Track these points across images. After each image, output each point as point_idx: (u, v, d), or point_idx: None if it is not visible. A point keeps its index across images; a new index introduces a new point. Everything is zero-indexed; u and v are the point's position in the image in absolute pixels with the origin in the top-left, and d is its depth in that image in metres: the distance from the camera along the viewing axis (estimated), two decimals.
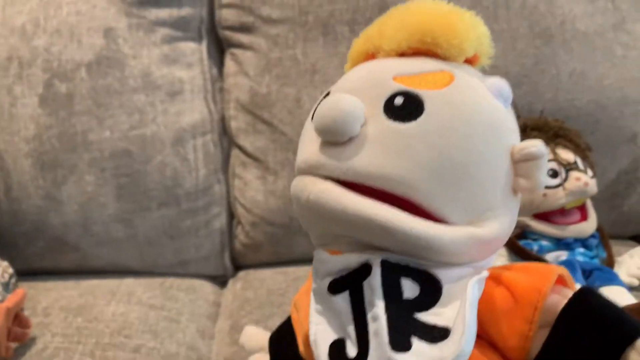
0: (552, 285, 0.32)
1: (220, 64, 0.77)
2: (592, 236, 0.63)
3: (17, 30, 0.68)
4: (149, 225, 0.70)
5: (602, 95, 0.71)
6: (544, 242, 0.62)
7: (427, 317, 0.32)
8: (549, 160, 0.62)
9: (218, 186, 0.74)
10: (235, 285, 0.73)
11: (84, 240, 0.69)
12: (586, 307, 0.32)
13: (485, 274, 0.33)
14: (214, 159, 0.73)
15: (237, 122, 0.74)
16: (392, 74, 0.35)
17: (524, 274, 0.33)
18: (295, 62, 0.72)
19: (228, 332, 0.63)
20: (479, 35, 0.37)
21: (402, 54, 0.37)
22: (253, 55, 0.73)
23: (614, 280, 0.57)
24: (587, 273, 0.58)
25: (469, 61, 0.38)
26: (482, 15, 0.71)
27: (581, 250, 0.62)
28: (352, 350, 0.32)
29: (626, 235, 0.78)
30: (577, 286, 0.34)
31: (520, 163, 0.35)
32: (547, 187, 0.61)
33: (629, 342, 0.30)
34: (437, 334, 0.31)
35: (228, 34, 0.75)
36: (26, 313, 0.59)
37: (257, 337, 0.47)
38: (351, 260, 0.35)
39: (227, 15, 0.75)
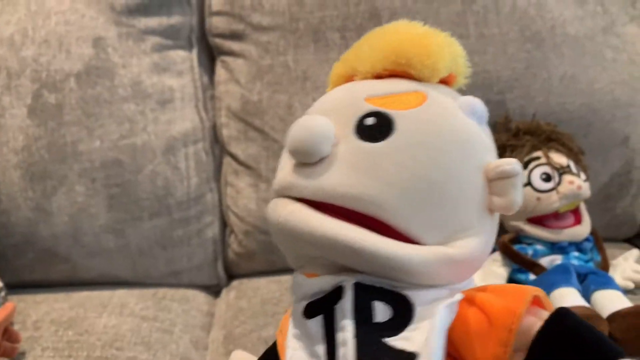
0: (527, 306, 0.32)
1: (211, 71, 0.77)
2: (587, 239, 0.63)
3: (5, 41, 0.67)
4: (141, 236, 0.69)
5: (594, 98, 0.71)
6: (539, 246, 0.62)
7: (396, 342, 0.31)
8: (542, 164, 0.62)
9: (210, 195, 0.73)
10: (229, 294, 0.72)
11: (75, 252, 0.68)
12: (562, 329, 0.31)
13: (458, 297, 0.33)
14: (206, 167, 0.73)
15: (229, 130, 0.74)
16: (365, 95, 0.36)
17: (499, 295, 0.33)
18: (287, 69, 0.71)
19: (222, 342, 0.62)
20: (453, 55, 0.37)
21: (378, 76, 0.38)
22: (244, 63, 0.73)
23: (609, 283, 0.57)
24: (582, 277, 0.58)
25: (446, 82, 0.38)
26: (473, 19, 0.72)
27: (576, 254, 0.62)
28: None
29: (620, 238, 0.78)
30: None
31: (495, 181, 0.35)
32: (541, 191, 0.61)
33: None
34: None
35: (218, 41, 0.75)
36: (16, 327, 0.58)
37: None
38: (325, 283, 0.34)
39: (217, 23, 0.74)
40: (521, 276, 0.61)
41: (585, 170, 0.65)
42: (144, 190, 0.69)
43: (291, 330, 0.36)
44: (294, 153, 0.34)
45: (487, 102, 0.38)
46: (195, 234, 0.72)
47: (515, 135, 0.65)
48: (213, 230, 0.74)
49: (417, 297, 0.33)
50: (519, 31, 0.70)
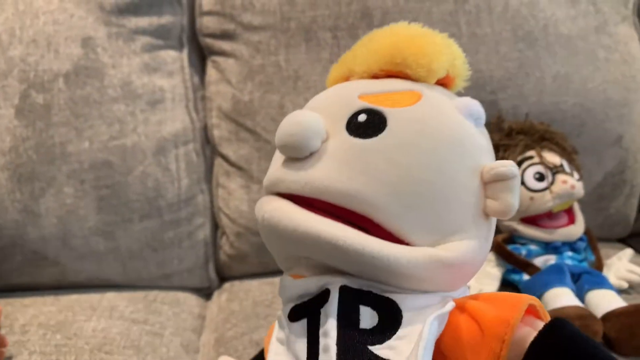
0: (521, 316, 0.31)
1: (201, 72, 0.76)
2: (580, 239, 0.63)
3: None
4: (131, 238, 0.68)
5: (587, 98, 0.71)
6: (532, 246, 0.62)
7: (381, 350, 0.30)
8: (536, 164, 0.62)
9: (201, 196, 0.73)
10: (221, 297, 0.71)
11: (64, 254, 0.68)
12: (557, 341, 0.30)
13: (449, 307, 0.32)
14: (197, 168, 0.72)
15: (220, 131, 0.73)
16: (358, 92, 0.35)
17: (492, 304, 0.32)
18: (278, 68, 0.71)
19: (213, 345, 0.61)
20: (451, 56, 0.37)
21: (374, 77, 0.37)
22: (235, 63, 0.72)
23: (603, 283, 0.57)
24: (575, 277, 0.57)
25: (444, 84, 0.38)
26: (465, 19, 0.72)
27: (569, 253, 0.61)
28: None
29: (614, 238, 0.78)
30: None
31: (490, 184, 0.34)
32: (534, 191, 0.61)
33: None
34: None
35: (209, 41, 0.74)
36: (3, 331, 0.57)
37: None
38: (311, 284, 0.33)
39: (208, 23, 0.74)
40: (515, 276, 0.61)
41: (578, 170, 0.64)
42: (134, 191, 0.68)
43: (275, 334, 0.35)
44: (283, 148, 0.34)
45: (480, 102, 0.38)
46: (186, 236, 0.71)
47: (508, 135, 0.64)
48: (204, 232, 0.73)
49: (405, 302, 0.32)
50: (512, 30, 0.70)
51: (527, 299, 0.32)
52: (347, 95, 0.36)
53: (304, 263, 0.34)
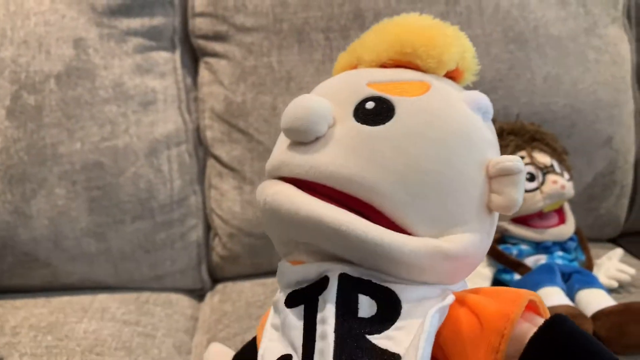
0: (521, 311, 0.30)
1: (194, 73, 0.76)
2: (571, 239, 0.64)
3: None
4: (123, 239, 0.68)
5: (577, 99, 0.72)
6: (523, 246, 0.62)
7: (379, 340, 0.30)
8: (527, 164, 0.62)
9: (194, 197, 0.73)
10: (213, 298, 0.71)
11: (55, 256, 0.67)
12: (557, 337, 0.30)
13: (449, 300, 0.31)
14: (189, 169, 0.72)
15: (213, 132, 0.73)
16: (367, 80, 0.35)
17: (493, 298, 0.32)
18: (271, 70, 0.71)
19: (205, 346, 0.61)
20: (461, 49, 0.36)
21: (382, 66, 0.37)
22: (227, 64, 0.72)
23: (593, 283, 0.57)
24: (566, 276, 0.58)
25: (453, 77, 0.37)
26: (456, 20, 0.72)
27: (560, 253, 0.62)
28: None
29: (604, 238, 0.78)
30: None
31: (496, 178, 0.33)
32: (525, 191, 0.61)
33: None
34: None
35: (202, 42, 0.74)
36: None
37: (221, 355, 0.45)
38: (310, 270, 0.33)
39: (200, 24, 0.74)
40: (506, 276, 0.61)
41: (569, 170, 0.65)
42: (126, 193, 0.68)
43: (270, 320, 0.35)
44: (289, 131, 0.33)
45: None
46: (178, 237, 0.71)
47: (499, 136, 0.64)
48: (197, 233, 0.73)
49: (405, 293, 0.31)
50: (502, 32, 0.70)
51: (527, 294, 0.32)
52: (355, 82, 0.35)
53: (304, 249, 0.34)
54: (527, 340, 0.30)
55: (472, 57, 0.38)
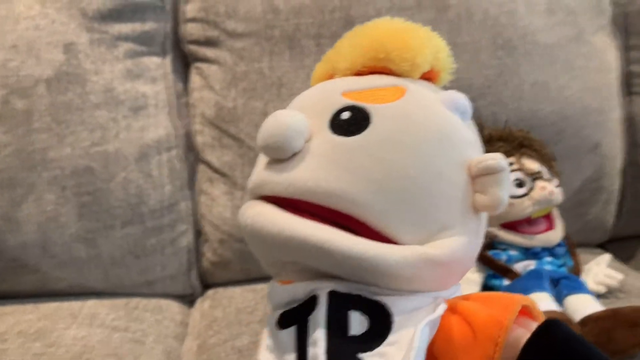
0: (514, 317, 0.30)
1: (185, 78, 0.76)
2: (559, 245, 0.64)
3: None
4: (113, 245, 0.68)
5: (565, 105, 0.72)
6: (512, 252, 0.63)
7: (371, 358, 0.29)
8: (515, 170, 0.63)
9: (184, 203, 0.72)
10: (203, 304, 0.71)
11: (44, 262, 0.67)
12: (552, 342, 0.29)
13: (439, 311, 0.31)
14: (180, 175, 0.72)
15: (203, 137, 0.73)
16: (342, 90, 0.35)
17: (484, 304, 0.31)
18: (262, 75, 0.71)
19: (195, 352, 0.61)
20: (434, 49, 0.36)
21: (358, 73, 0.36)
22: (218, 70, 0.72)
23: (581, 288, 0.57)
24: (554, 281, 0.58)
25: (429, 78, 0.37)
26: (446, 27, 0.73)
27: (549, 259, 0.62)
28: None
29: (592, 244, 0.79)
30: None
31: (479, 178, 0.33)
32: (513, 197, 0.62)
33: None
34: None
35: (193, 48, 0.74)
36: None
37: None
38: (298, 290, 0.33)
39: (191, 30, 0.74)
40: (495, 282, 0.61)
41: (557, 176, 0.65)
42: (116, 198, 0.67)
43: (264, 342, 0.34)
44: (265, 149, 0.33)
45: None
46: (169, 242, 0.71)
47: (487, 142, 0.65)
48: (187, 239, 0.73)
49: (396, 304, 0.31)
50: (491, 39, 0.71)
51: (520, 299, 0.31)
52: (330, 93, 0.35)
53: (291, 268, 0.33)
54: (521, 346, 0.29)
55: (447, 56, 0.37)
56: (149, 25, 0.72)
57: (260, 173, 0.34)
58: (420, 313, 0.31)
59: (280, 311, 0.34)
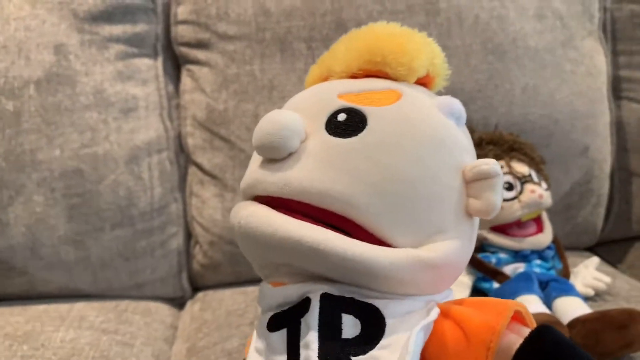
0: (506, 322, 0.30)
1: (176, 80, 0.76)
2: (549, 248, 0.64)
3: None
4: (102, 247, 0.68)
5: (554, 109, 0.73)
6: (502, 255, 0.63)
7: None
8: (505, 173, 0.63)
9: (174, 205, 0.72)
10: (193, 307, 0.71)
11: (32, 264, 0.66)
12: (543, 347, 0.29)
13: (433, 315, 0.31)
14: (170, 177, 0.72)
15: (194, 139, 0.73)
16: (338, 92, 0.35)
17: (477, 309, 0.31)
18: (253, 78, 0.71)
19: (185, 355, 0.61)
20: (430, 55, 0.36)
21: (353, 76, 0.36)
22: (210, 72, 0.72)
23: (570, 290, 0.58)
24: (543, 284, 0.58)
25: (424, 83, 0.37)
26: (436, 32, 0.73)
27: (538, 262, 0.63)
28: None
29: (581, 247, 0.79)
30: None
31: (473, 183, 0.33)
32: (503, 200, 0.61)
33: None
34: None
35: (184, 50, 0.74)
36: None
37: None
38: (291, 292, 0.32)
39: (183, 32, 0.74)
40: (485, 284, 0.62)
41: (546, 180, 0.66)
42: (106, 200, 0.67)
43: (253, 344, 0.34)
44: (261, 148, 0.32)
45: None
46: (159, 245, 0.71)
47: (478, 145, 0.66)
48: (177, 241, 0.72)
49: (389, 308, 0.31)
50: (481, 43, 0.71)
51: (513, 304, 0.31)
52: (326, 95, 0.35)
53: (283, 270, 0.33)
54: (513, 352, 0.29)
55: (442, 62, 0.37)
56: (140, 27, 0.72)
57: (254, 173, 0.34)
58: (413, 317, 0.31)
59: (270, 313, 0.33)
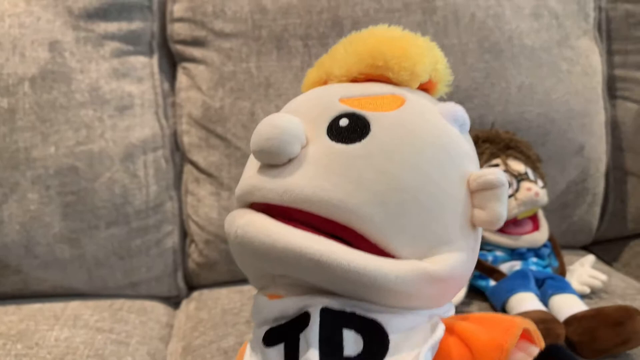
0: (515, 341, 0.29)
1: (172, 78, 0.76)
2: (545, 246, 0.65)
3: None
4: (97, 245, 0.67)
5: (551, 108, 0.73)
6: (498, 253, 0.63)
7: None
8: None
9: (170, 203, 0.72)
10: (189, 305, 0.70)
11: (27, 262, 0.66)
12: None
13: (440, 332, 0.30)
14: (166, 175, 0.71)
15: (190, 137, 0.73)
16: (339, 96, 0.34)
17: (484, 326, 0.30)
18: (249, 75, 0.71)
19: (180, 354, 0.60)
20: (433, 60, 0.35)
21: (353, 80, 0.35)
22: (205, 69, 0.72)
23: (566, 288, 0.58)
24: (540, 282, 0.59)
25: (426, 89, 0.37)
26: (433, 30, 0.73)
27: (534, 259, 0.63)
28: None
29: (577, 245, 0.79)
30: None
31: (477, 192, 0.32)
32: None
33: None
34: None
35: (180, 48, 0.74)
36: None
37: None
38: (289, 306, 0.31)
39: (179, 30, 0.73)
40: (482, 282, 0.62)
41: (542, 178, 0.66)
42: (101, 198, 0.67)
43: (247, 358, 0.33)
44: (260, 153, 0.31)
45: None
46: (154, 243, 0.70)
47: (474, 143, 0.65)
48: (173, 240, 0.72)
49: (391, 323, 0.30)
50: (478, 42, 0.71)
51: (521, 322, 0.30)
52: (327, 98, 0.33)
53: (280, 282, 0.32)
54: None
55: (445, 68, 0.36)
56: (135, 25, 0.72)
57: (251, 178, 0.32)
58: (416, 333, 0.30)
59: (266, 327, 0.32)
